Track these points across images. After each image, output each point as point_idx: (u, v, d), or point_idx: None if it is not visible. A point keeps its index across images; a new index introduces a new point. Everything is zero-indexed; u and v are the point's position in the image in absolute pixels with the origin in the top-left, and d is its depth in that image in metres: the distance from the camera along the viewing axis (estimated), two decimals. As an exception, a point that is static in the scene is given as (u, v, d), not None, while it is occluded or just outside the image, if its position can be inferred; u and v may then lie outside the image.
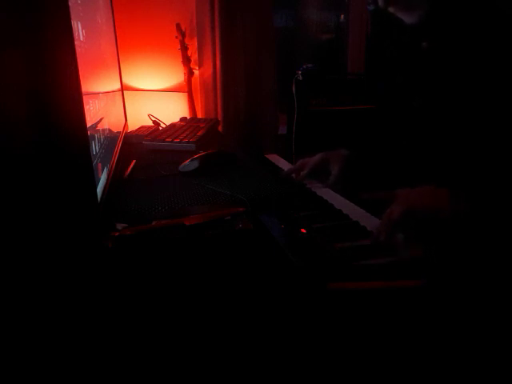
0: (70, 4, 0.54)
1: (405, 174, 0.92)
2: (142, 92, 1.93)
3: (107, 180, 0.81)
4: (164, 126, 1.62)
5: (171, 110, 1.90)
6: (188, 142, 1.30)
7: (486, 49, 0.74)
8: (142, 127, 1.66)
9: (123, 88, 1.58)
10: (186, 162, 1.05)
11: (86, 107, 0.63)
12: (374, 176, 0.97)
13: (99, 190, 0.68)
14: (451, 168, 0.80)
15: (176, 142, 1.31)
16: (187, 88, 1.90)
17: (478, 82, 0.75)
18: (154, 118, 1.66)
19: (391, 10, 0.78)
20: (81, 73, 0.57)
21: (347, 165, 0.94)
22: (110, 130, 0.98)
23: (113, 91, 1.20)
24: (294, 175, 1.00)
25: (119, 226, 0.68)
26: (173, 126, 1.56)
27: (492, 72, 0.73)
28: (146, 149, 1.32)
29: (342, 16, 2.36)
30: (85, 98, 0.60)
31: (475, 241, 0.62)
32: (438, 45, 0.82)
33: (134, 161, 1.15)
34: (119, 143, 1.15)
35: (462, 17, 0.77)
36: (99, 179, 0.72)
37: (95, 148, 0.72)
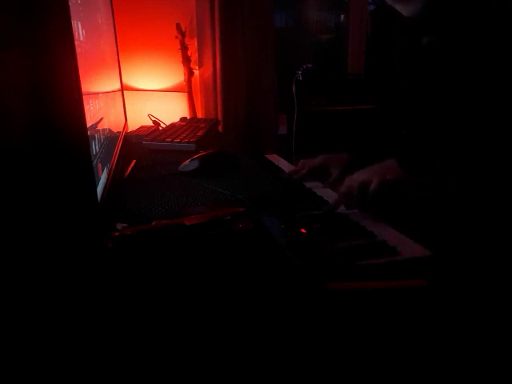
0: (69, 4, 0.54)
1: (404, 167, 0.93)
2: (142, 92, 1.93)
3: (107, 180, 0.81)
4: (164, 125, 1.62)
5: (171, 110, 1.90)
6: (188, 142, 1.30)
7: (487, 41, 0.74)
8: (141, 127, 1.66)
9: (123, 88, 1.58)
10: (186, 162, 1.05)
11: (86, 107, 0.63)
12: None
13: (99, 190, 0.68)
14: (452, 160, 0.80)
15: (176, 142, 1.31)
16: (187, 88, 1.90)
17: (479, 74, 0.75)
18: (154, 118, 1.66)
19: (389, 1, 0.78)
20: (81, 73, 0.57)
21: (348, 168, 0.95)
22: (109, 130, 0.98)
23: (113, 91, 1.20)
24: (294, 176, 1.00)
25: (119, 226, 0.67)
26: (173, 125, 1.56)
27: (493, 64, 0.73)
28: (146, 149, 1.32)
29: (342, 16, 2.36)
30: (85, 98, 0.60)
31: (473, 236, 0.62)
32: (437, 37, 0.82)
33: (134, 161, 1.15)
34: (119, 143, 1.15)
35: (461, 8, 0.76)
36: (99, 179, 0.72)
37: (95, 148, 0.72)
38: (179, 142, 1.31)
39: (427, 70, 0.87)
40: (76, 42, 0.57)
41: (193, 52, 1.90)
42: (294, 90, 1.94)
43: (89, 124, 0.66)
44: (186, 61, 1.88)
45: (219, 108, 1.91)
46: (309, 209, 0.79)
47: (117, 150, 1.06)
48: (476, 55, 0.75)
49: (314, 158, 1.00)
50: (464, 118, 0.78)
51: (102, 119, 0.86)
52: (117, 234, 0.65)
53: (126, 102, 1.56)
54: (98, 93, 0.85)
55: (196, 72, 1.93)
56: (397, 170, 0.75)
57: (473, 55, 0.76)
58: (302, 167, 0.99)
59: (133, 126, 1.68)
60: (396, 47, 0.99)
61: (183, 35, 1.85)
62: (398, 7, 0.78)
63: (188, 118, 1.77)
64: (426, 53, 0.86)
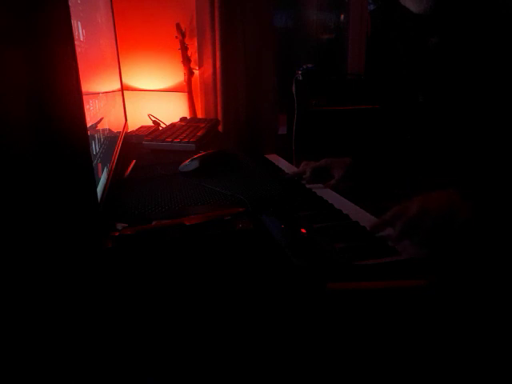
0: (70, 4, 0.54)
1: (409, 172, 0.93)
2: (142, 92, 1.93)
3: (107, 180, 0.81)
4: (164, 125, 1.62)
5: (171, 110, 1.90)
6: (188, 142, 1.30)
7: (494, 44, 0.74)
8: (142, 127, 1.66)
9: (123, 88, 1.58)
10: (186, 161, 1.05)
11: (86, 107, 0.63)
12: (377, 180, 0.98)
13: (99, 190, 0.68)
14: (456, 164, 0.80)
15: (176, 142, 1.31)
16: (187, 88, 1.90)
17: (484, 77, 0.75)
18: (154, 118, 1.66)
19: None
20: (81, 73, 0.57)
21: (350, 172, 0.95)
22: (109, 130, 0.98)
23: (113, 91, 1.20)
24: (296, 178, 1.01)
25: (119, 226, 0.67)
26: (173, 125, 1.56)
27: (499, 68, 0.73)
28: (146, 149, 1.32)
29: (342, 16, 2.36)
30: (85, 98, 0.60)
31: (480, 241, 0.62)
32: (444, 38, 0.82)
33: (134, 161, 1.15)
34: (119, 143, 1.15)
35: (472, 10, 0.76)
36: (99, 179, 0.72)
37: (95, 148, 0.72)
38: (179, 142, 1.31)
39: (429, 72, 0.87)
40: (76, 42, 0.57)
41: (193, 52, 1.90)
42: (294, 89, 1.94)
43: (89, 124, 0.66)
44: (186, 61, 1.87)
45: (219, 108, 1.91)
46: (309, 209, 0.79)
47: (117, 150, 1.05)
48: (480, 58, 0.75)
49: (315, 159, 1.00)
50: (468, 122, 0.78)
51: (102, 119, 0.86)
52: (117, 234, 0.65)
53: (126, 102, 1.56)
54: (98, 93, 0.85)
55: (196, 72, 1.93)
56: (464, 207, 0.64)
57: (477, 57, 0.76)
58: (304, 169, 1.00)
59: (133, 126, 1.68)
60: (396, 48, 0.99)
61: (183, 35, 1.85)
62: (409, 4, 0.78)
63: (188, 118, 1.77)
64: (428, 54, 0.86)
